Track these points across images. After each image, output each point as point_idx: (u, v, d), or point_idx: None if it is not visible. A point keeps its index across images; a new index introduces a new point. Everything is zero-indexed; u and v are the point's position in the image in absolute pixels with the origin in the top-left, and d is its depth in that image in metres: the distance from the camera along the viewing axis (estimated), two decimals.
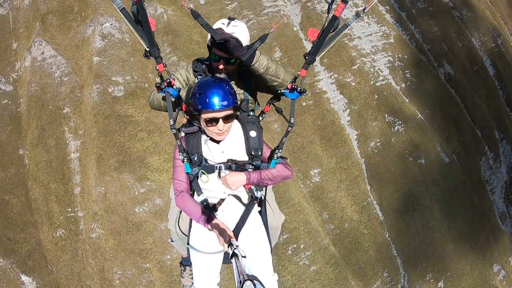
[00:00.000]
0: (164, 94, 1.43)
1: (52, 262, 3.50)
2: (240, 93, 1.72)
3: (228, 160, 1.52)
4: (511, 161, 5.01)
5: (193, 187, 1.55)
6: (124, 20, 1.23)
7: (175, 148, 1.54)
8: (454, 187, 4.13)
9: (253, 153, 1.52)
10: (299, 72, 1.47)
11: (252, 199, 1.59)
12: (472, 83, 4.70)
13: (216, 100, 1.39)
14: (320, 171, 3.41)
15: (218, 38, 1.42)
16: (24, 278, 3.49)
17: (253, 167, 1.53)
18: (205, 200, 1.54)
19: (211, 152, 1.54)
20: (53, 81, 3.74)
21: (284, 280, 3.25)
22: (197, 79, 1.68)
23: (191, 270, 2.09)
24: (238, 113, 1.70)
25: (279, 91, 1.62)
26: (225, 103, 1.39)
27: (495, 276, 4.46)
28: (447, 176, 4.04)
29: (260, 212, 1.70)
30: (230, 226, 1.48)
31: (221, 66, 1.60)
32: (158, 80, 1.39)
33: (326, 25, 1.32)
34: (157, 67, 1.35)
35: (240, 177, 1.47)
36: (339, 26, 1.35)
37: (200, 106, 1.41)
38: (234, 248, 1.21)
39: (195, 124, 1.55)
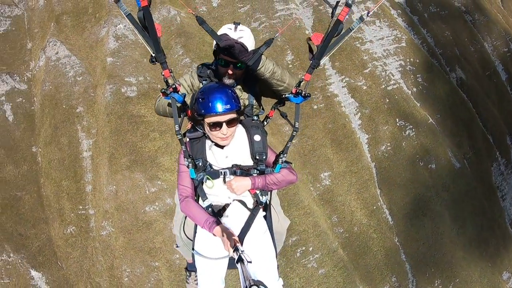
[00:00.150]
0: (169, 100, 1.43)
1: (62, 258, 3.56)
2: (245, 98, 1.72)
3: (233, 165, 1.52)
4: None
5: (198, 192, 1.55)
6: (130, 25, 1.25)
7: (180, 154, 1.54)
8: (465, 192, 4.08)
9: (257, 157, 1.52)
10: (303, 77, 1.47)
11: (257, 204, 1.58)
12: (484, 88, 4.65)
13: (218, 104, 1.39)
14: (330, 174, 3.41)
15: (223, 44, 1.44)
16: (34, 273, 3.55)
17: (258, 171, 1.53)
18: (210, 205, 1.54)
19: (215, 157, 1.53)
20: (67, 80, 3.80)
21: (292, 282, 3.25)
22: (202, 84, 1.67)
23: (196, 276, 2.08)
24: (242, 117, 1.69)
25: (283, 96, 1.62)
26: (227, 106, 1.40)
27: (504, 284, 4.40)
28: (458, 182, 4.00)
29: (265, 217, 1.69)
30: (235, 231, 1.47)
31: (230, 71, 1.59)
32: (161, 86, 1.40)
33: (330, 29, 1.32)
34: (162, 73, 1.36)
35: (245, 182, 1.47)
36: (343, 30, 1.35)
37: (203, 111, 1.42)
38: (240, 253, 1.20)
39: (199, 129, 1.55)
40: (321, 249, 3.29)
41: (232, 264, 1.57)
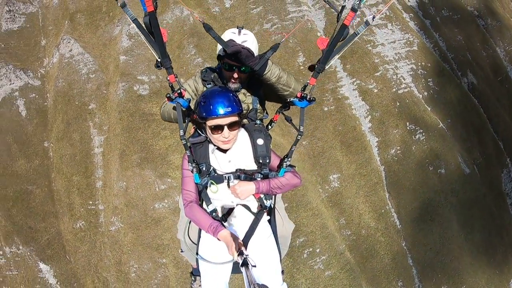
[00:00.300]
0: (174, 105, 1.44)
1: (70, 252, 3.61)
2: (249, 102, 1.72)
3: (236, 169, 1.52)
4: None
5: (202, 197, 1.55)
6: (136, 30, 1.26)
7: (183, 159, 1.55)
8: (474, 198, 4.04)
9: (261, 161, 1.52)
10: (308, 81, 1.47)
11: (261, 208, 1.58)
12: (495, 93, 4.61)
13: (219, 107, 1.40)
14: (339, 176, 3.41)
15: (230, 50, 1.45)
16: (42, 266, 3.61)
17: (262, 176, 1.53)
18: (215, 210, 1.53)
19: (218, 162, 1.53)
20: (80, 77, 3.86)
21: (298, 283, 3.25)
22: (206, 88, 1.68)
23: (201, 281, 2.12)
24: (245, 121, 1.70)
25: (288, 100, 1.62)
26: (229, 109, 1.40)
27: None
28: (467, 187, 3.96)
29: (269, 221, 1.69)
30: (239, 235, 1.47)
31: (235, 75, 1.59)
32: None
33: (335, 33, 1.32)
34: (168, 78, 1.36)
35: (249, 187, 1.47)
36: (349, 34, 1.35)
37: (204, 114, 1.42)
38: (244, 257, 1.20)
39: (201, 134, 1.55)
40: (328, 251, 3.28)
41: (236, 268, 1.58)
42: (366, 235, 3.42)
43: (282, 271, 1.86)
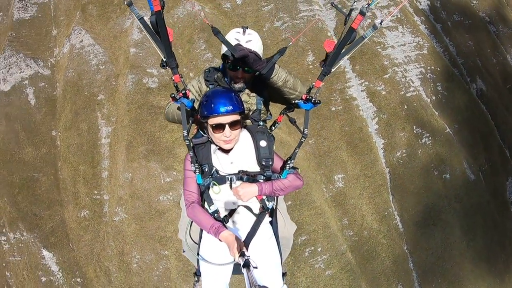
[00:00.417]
0: (179, 105, 1.43)
1: (73, 241, 3.65)
2: (252, 103, 1.71)
3: (239, 171, 1.52)
4: None
5: (204, 198, 1.54)
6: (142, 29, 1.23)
7: (185, 160, 1.54)
8: (478, 205, 4.02)
9: (263, 163, 1.51)
10: (313, 83, 1.46)
11: (263, 209, 1.58)
12: (504, 101, 4.57)
13: (221, 105, 1.40)
14: (344, 176, 3.42)
15: (238, 54, 1.44)
16: (45, 253, 3.65)
17: (265, 178, 1.52)
18: (216, 211, 1.53)
19: (220, 162, 1.53)
20: (90, 68, 3.89)
21: (299, 281, 3.26)
22: (209, 88, 1.68)
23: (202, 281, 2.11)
24: (248, 121, 1.69)
25: (293, 101, 1.61)
26: (230, 108, 1.40)
27: None
28: (471, 194, 3.95)
29: (271, 222, 1.69)
30: (241, 236, 1.47)
31: (239, 75, 1.59)
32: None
33: (342, 36, 1.31)
34: (173, 78, 1.35)
35: (252, 189, 1.46)
36: (356, 38, 1.33)
37: (206, 112, 1.43)
38: (246, 259, 1.20)
39: (204, 134, 1.55)
40: (329, 250, 3.29)
41: (237, 269, 1.58)
42: (368, 236, 3.42)
43: (285, 273, 1.85)
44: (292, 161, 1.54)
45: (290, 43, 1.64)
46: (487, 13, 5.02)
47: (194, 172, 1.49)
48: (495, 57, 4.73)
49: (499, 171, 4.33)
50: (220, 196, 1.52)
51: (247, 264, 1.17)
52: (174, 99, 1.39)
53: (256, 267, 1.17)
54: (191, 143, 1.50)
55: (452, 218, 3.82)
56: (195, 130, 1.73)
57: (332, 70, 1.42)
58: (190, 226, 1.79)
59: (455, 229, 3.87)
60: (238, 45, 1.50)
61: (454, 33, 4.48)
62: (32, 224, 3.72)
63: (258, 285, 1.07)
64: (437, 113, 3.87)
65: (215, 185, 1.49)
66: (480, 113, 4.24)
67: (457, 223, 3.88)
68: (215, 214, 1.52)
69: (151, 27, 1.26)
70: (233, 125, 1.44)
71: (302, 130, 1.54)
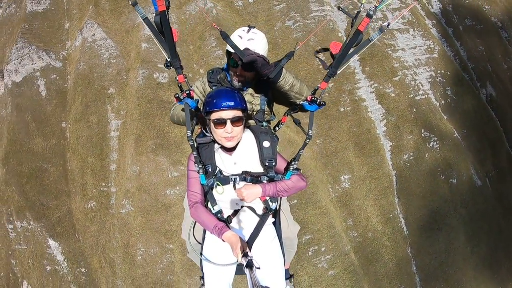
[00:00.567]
0: (183, 106, 1.44)
1: (79, 231, 3.69)
2: (256, 103, 1.71)
3: (243, 171, 1.52)
4: None
5: (207, 198, 1.54)
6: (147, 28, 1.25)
7: (189, 160, 1.54)
8: (483, 211, 4.00)
9: (267, 163, 1.51)
10: (319, 85, 1.46)
11: (267, 210, 1.57)
12: None
13: (222, 100, 1.41)
14: (350, 177, 3.42)
15: (246, 59, 1.44)
16: (51, 242, 3.70)
17: (268, 178, 1.52)
18: (220, 211, 1.53)
19: (224, 163, 1.53)
20: (101, 62, 3.94)
21: (301, 280, 3.28)
22: (212, 89, 1.68)
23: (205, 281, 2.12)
24: (252, 122, 1.69)
25: (298, 102, 1.61)
26: (231, 103, 1.41)
27: None
28: (477, 199, 3.93)
29: (274, 223, 1.68)
30: (244, 237, 1.47)
31: (239, 71, 1.60)
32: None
33: (349, 39, 1.31)
34: (177, 78, 1.36)
35: (255, 190, 1.45)
36: (363, 40, 1.34)
37: (208, 107, 1.44)
38: (249, 259, 1.20)
39: (207, 134, 1.55)
40: (333, 250, 3.30)
41: (239, 270, 1.58)
42: (372, 238, 3.43)
43: (292, 275, 1.85)
44: (296, 162, 1.53)
45: (298, 47, 1.63)
46: (499, 18, 4.98)
47: (198, 172, 1.49)
48: (506, 63, 4.69)
49: (506, 178, 4.30)
50: (224, 196, 1.52)
51: (250, 265, 1.17)
52: (178, 99, 1.40)
53: (259, 268, 1.18)
54: (195, 143, 1.50)
55: (457, 223, 3.81)
56: (199, 130, 1.73)
57: (338, 72, 1.42)
58: (194, 226, 1.79)
59: (459, 235, 3.85)
60: (247, 49, 1.50)
61: (466, 37, 4.46)
62: (39, 213, 3.78)
63: (261, 285, 1.07)
64: (445, 117, 3.86)
65: (219, 185, 1.49)
66: (489, 118, 4.21)
67: (462, 228, 3.86)
68: (219, 215, 1.52)
69: (155, 27, 1.26)
70: (235, 121, 1.43)
71: (306, 131, 1.54)
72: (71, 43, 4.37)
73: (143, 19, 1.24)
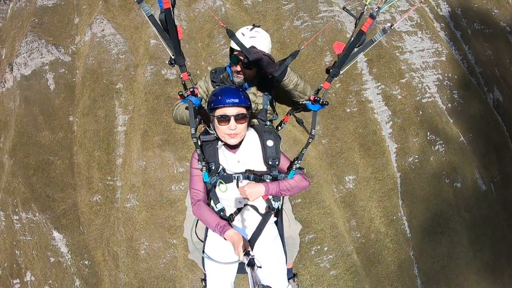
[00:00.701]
0: (186, 103, 1.45)
1: (84, 224, 3.73)
2: (259, 103, 1.72)
3: (246, 170, 1.52)
4: None
5: (210, 196, 1.54)
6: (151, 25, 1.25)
7: (192, 157, 1.55)
8: (487, 216, 3.98)
9: (270, 162, 1.51)
10: (322, 85, 1.47)
11: (269, 209, 1.58)
12: None
13: (226, 97, 1.42)
14: (354, 178, 3.43)
15: (252, 57, 1.46)
16: (55, 234, 3.74)
17: (271, 177, 1.52)
18: (222, 209, 1.53)
19: (227, 161, 1.53)
20: (110, 57, 3.98)
21: (303, 279, 3.29)
22: (216, 88, 1.67)
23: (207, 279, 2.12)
24: (255, 121, 1.70)
25: (301, 102, 1.62)
26: (236, 100, 1.42)
27: None
28: (481, 204, 3.91)
29: (276, 222, 1.69)
30: (246, 236, 1.47)
31: (238, 68, 1.61)
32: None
33: (352, 39, 1.32)
34: (181, 76, 1.37)
35: (258, 189, 1.45)
36: (366, 41, 1.35)
37: (212, 104, 1.44)
38: (250, 258, 1.20)
39: (211, 131, 1.55)
40: (335, 250, 3.31)
41: (241, 268, 1.58)
42: (375, 239, 3.43)
43: (296, 274, 1.85)
44: (299, 161, 1.53)
45: (303, 47, 1.64)
46: (508, 23, 4.96)
47: (201, 170, 1.49)
48: None
49: (511, 184, 4.28)
50: (227, 194, 1.53)
51: (251, 264, 1.17)
52: (182, 96, 1.41)
53: (260, 267, 1.18)
54: (198, 141, 1.50)
55: (460, 227, 3.80)
56: (203, 128, 1.74)
57: (341, 72, 1.43)
58: (196, 224, 1.80)
59: (462, 239, 3.84)
60: (253, 47, 1.51)
61: (474, 41, 4.44)
62: (45, 205, 3.82)
63: (262, 284, 1.07)
64: (452, 121, 3.85)
65: (222, 183, 1.49)
66: (495, 123, 4.19)
67: (465, 233, 3.85)
68: (221, 213, 1.53)
69: (160, 25, 1.27)
70: (238, 118, 1.44)
71: (309, 131, 1.54)
72: (80, 38, 4.42)
73: (148, 16, 1.25)
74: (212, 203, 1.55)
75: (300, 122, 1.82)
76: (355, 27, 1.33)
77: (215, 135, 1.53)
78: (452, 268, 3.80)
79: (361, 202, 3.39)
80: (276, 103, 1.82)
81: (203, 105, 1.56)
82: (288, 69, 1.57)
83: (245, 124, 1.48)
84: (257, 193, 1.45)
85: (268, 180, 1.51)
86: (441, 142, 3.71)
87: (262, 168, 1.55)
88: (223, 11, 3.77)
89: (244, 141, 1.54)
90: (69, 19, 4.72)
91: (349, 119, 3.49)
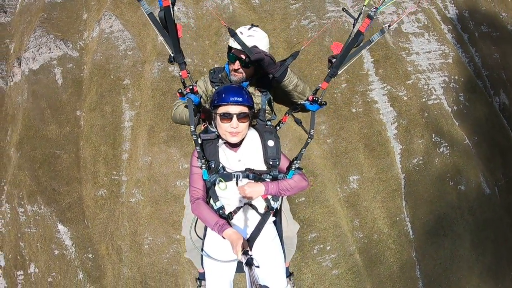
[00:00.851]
0: (186, 102, 1.46)
1: (89, 218, 3.77)
2: (258, 102, 1.72)
3: (246, 169, 1.52)
4: None
5: (209, 194, 1.54)
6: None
7: (192, 156, 1.56)
8: (490, 220, 3.97)
9: (271, 162, 1.52)
10: (320, 85, 1.48)
11: (268, 209, 1.58)
12: None
13: (230, 95, 1.43)
14: (359, 178, 3.44)
15: (254, 57, 1.47)
16: (60, 227, 3.78)
17: (271, 177, 1.52)
18: (222, 207, 1.53)
19: (228, 160, 1.53)
20: (118, 53, 4.01)
21: (305, 277, 3.30)
22: (214, 89, 1.70)
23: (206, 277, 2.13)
24: (255, 121, 1.70)
25: (299, 102, 1.63)
26: (239, 99, 1.43)
27: None
28: (485, 208, 3.90)
29: (274, 222, 1.69)
30: (244, 235, 1.48)
31: (236, 66, 1.61)
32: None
33: (350, 39, 1.34)
34: (180, 73, 1.38)
35: (258, 188, 1.46)
36: (363, 41, 1.37)
37: (216, 101, 1.45)
38: (248, 257, 1.21)
39: (212, 129, 1.56)
40: (338, 250, 3.32)
41: (240, 268, 1.58)
42: (378, 240, 3.43)
43: (292, 273, 1.86)
44: (298, 161, 1.54)
45: (303, 47, 1.66)
46: None
47: (201, 168, 1.50)
48: None
49: None
50: (226, 193, 1.53)
51: (249, 263, 1.17)
52: (182, 94, 1.42)
53: (258, 266, 1.18)
54: (198, 139, 1.50)
55: (463, 230, 3.79)
56: (203, 126, 1.75)
57: (339, 72, 1.44)
58: (196, 223, 1.80)
59: (465, 242, 3.83)
60: (255, 47, 1.52)
61: (481, 44, 4.43)
62: (50, 198, 3.86)
63: (259, 284, 1.06)
64: (457, 124, 3.84)
65: (221, 181, 1.49)
66: (501, 127, 4.18)
67: (468, 236, 3.84)
68: (220, 211, 1.53)
69: (159, 23, 1.28)
70: (241, 117, 1.44)
71: (308, 131, 1.55)
72: (88, 34, 4.46)
73: (147, 14, 1.26)
74: (211, 201, 1.56)
75: (298, 122, 1.83)
76: (353, 27, 1.34)
77: (216, 133, 1.54)
78: (454, 271, 3.79)
79: (364, 202, 3.40)
80: (274, 103, 1.83)
81: (202, 103, 1.58)
82: (289, 69, 1.58)
83: (246, 123, 1.49)
84: (257, 192, 1.46)
85: (267, 180, 1.52)
86: (446, 144, 3.71)
87: (262, 167, 1.55)
88: (230, 9, 3.79)
89: (245, 140, 1.55)
90: (77, 14, 4.76)
91: (354, 119, 3.50)
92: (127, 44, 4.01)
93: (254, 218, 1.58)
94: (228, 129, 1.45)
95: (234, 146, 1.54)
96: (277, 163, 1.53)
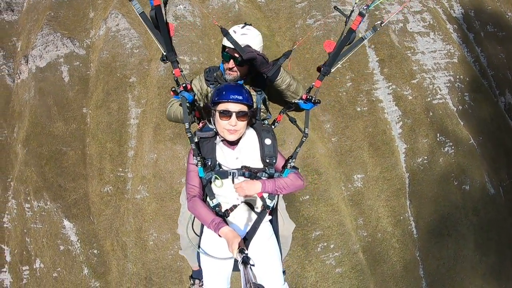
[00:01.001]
0: (179, 99, 1.46)
1: (94, 214, 3.81)
2: (253, 102, 1.70)
3: (242, 166, 1.51)
4: None
5: (206, 191, 1.53)
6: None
7: (189, 153, 1.55)
8: (494, 220, 3.96)
9: (267, 160, 1.52)
10: (313, 83, 1.48)
11: (264, 207, 1.56)
12: None
13: (231, 93, 1.43)
14: (363, 177, 3.44)
15: (246, 56, 1.46)
16: (66, 222, 3.82)
17: (267, 175, 1.52)
18: (218, 205, 1.52)
19: (225, 157, 1.52)
20: (124, 51, 4.05)
21: (308, 275, 3.31)
22: (210, 88, 1.71)
23: (200, 285, 2.13)
24: (254, 120, 1.69)
25: (293, 101, 1.63)
26: (239, 97, 1.43)
27: None
28: (489, 208, 3.89)
29: (271, 220, 1.69)
30: (241, 233, 1.46)
31: (231, 65, 1.61)
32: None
33: (342, 37, 1.33)
34: (173, 72, 1.37)
35: (255, 186, 1.45)
36: (355, 39, 1.36)
37: (216, 98, 1.45)
38: (243, 256, 1.20)
39: (210, 126, 1.55)
40: (342, 248, 3.33)
41: (238, 266, 1.54)
42: (382, 239, 3.44)
43: (284, 271, 1.88)
44: (293, 160, 1.55)
45: (295, 46, 1.64)
46: None
47: (197, 165, 1.49)
48: None
49: None
50: (222, 190, 1.51)
51: (244, 261, 1.16)
52: (175, 92, 1.42)
53: (253, 265, 1.17)
54: (194, 136, 1.51)
55: (467, 230, 3.78)
56: (201, 124, 1.73)
57: (332, 70, 1.44)
58: (193, 221, 1.79)
59: (469, 242, 3.83)
60: (248, 46, 1.52)
61: (486, 44, 4.41)
62: (56, 194, 3.90)
63: (254, 282, 1.04)
64: (462, 123, 3.83)
65: (217, 178, 1.48)
66: (506, 127, 4.16)
67: (472, 236, 3.84)
68: (216, 208, 1.51)
69: (151, 22, 1.28)
70: (240, 115, 1.44)
71: (303, 129, 1.56)
72: (95, 32, 4.50)
73: (139, 14, 1.27)
74: (207, 199, 1.55)
75: (293, 121, 1.83)
76: (345, 25, 1.34)
77: (214, 130, 1.55)
78: (457, 271, 3.78)
79: (369, 201, 3.41)
80: (269, 102, 1.83)
81: (196, 101, 1.58)
82: (281, 69, 1.59)
83: (245, 122, 1.50)
84: (253, 190, 1.45)
85: (264, 178, 1.52)
86: (451, 144, 3.70)
87: (259, 165, 1.56)
88: (236, 8, 3.81)
89: (243, 138, 1.56)
90: (84, 13, 4.80)
91: (359, 118, 3.50)
92: (133, 42, 4.04)
93: (250, 217, 1.57)
94: (226, 127, 1.46)
95: (232, 144, 1.55)
96: (274, 161, 1.53)
